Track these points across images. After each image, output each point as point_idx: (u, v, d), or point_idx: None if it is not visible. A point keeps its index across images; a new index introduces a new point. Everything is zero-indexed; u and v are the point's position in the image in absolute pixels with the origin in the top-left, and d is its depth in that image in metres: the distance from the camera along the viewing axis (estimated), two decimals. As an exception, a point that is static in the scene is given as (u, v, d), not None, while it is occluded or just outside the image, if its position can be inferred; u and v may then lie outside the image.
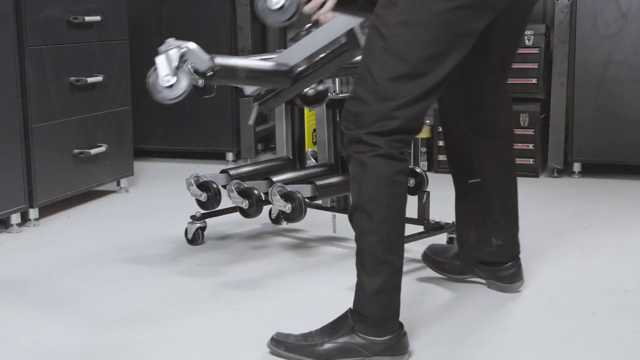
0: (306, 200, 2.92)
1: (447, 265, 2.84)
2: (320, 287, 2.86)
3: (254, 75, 2.74)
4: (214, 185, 3.16)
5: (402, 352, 2.25)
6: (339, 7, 2.44)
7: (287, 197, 2.90)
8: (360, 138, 2.19)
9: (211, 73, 2.55)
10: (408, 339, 2.28)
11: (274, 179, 3.10)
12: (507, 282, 2.71)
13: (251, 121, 3.02)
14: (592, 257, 3.13)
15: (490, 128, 2.62)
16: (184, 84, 2.49)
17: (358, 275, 2.24)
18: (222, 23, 4.67)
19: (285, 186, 2.92)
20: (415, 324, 2.47)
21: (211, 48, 4.57)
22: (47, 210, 3.64)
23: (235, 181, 3.06)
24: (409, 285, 2.87)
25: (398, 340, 2.24)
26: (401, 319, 2.28)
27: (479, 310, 2.62)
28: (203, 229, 3.27)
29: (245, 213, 3.04)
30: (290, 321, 2.58)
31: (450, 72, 2.20)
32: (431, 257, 2.88)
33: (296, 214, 2.90)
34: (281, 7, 2.47)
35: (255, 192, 3.01)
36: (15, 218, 3.48)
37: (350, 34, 2.62)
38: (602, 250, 3.21)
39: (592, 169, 4.40)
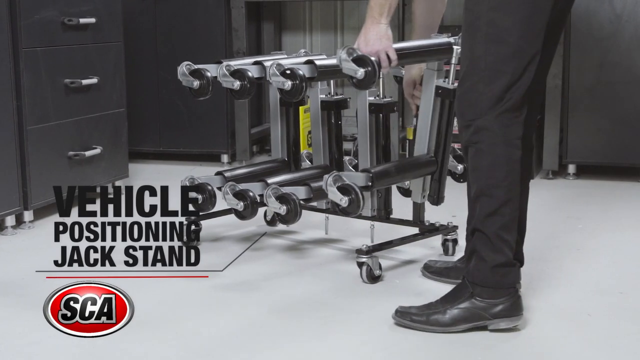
0: (301, 202, 2.92)
1: (448, 270, 2.88)
2: (315, 288, 2.86)
3: (405, 171, 3.00)
4: (209, 187, 3.16)
5: (518, 313, 2.47)
6: (401, 60, 2.78)
7: (282, 199, 2.90)
8: (479, 126, 2.42)
9: (370, 183, 2.82)
10: (522, 301, 2.49)
11: (269, 181, 3.10)
12: None
13: None
14: (587, 258, 3.13)
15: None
16: (359, 203, 2.78)
17: (480, 251, 2.45)
18: (217, 25, 4.66)
19: (280, 188, 2.93)
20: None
21: (207, 50, 4.61)
22: (41, 213, 3.64)
23: (230, 183, 3.05)
24: (402, 286, 2.87)
25: (514, 301, 2.46)
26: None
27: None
28: (198, 230, 3.27)
29: (240, 215, 3.04)
30: (286, 322, 2.59)
31: (540, 45, 2.40)
32: (431, 267, 2.93)
33: (291, 216, 2.90)
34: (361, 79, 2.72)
35: (250, 194, 3.01)
36: (10, 220, 3.47)
37: (438, 89, 2.96)
38: (597, 251, 3.21)
39: (586, 171, 4.40)
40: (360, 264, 2.88)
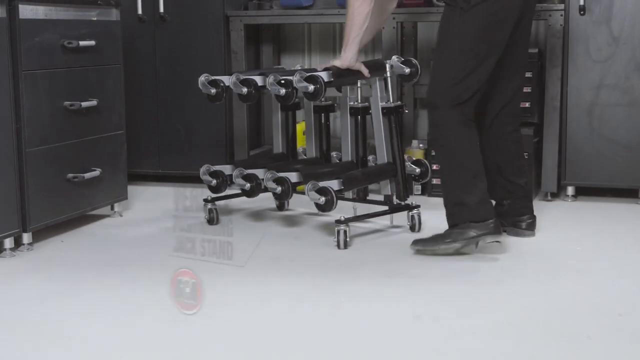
0: (294, 184, 3.59)
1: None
2: (314, 287, 2.87)
3: (371, 176, 3.74)
4: (223, 173, 3.82)
5: (499, 232, 3.30)
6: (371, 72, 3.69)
7: (277, 181, 3.56)
8: (439, 113, 3.32)
9: (342, 187, 3.51)
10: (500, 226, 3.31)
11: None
12: (522, 229, 3.61)
13: None
14: (585, 280, 3.13)
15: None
16: (333, 201, 3.49)
17: (452, 195, 3.32)
18: (216, 47, 4.68)
19: (276, 172, 3.58)
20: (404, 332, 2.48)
21: (206, 72, 4.62)
22: (40, 235, 3.64)
23: (239, 168, 3.74)
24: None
25: (495, 225, 3.27)
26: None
27: (474, 334, 2.62)
28: (216, 210, 3.90)
29: (247, 193, 3.71)
30: (286, 324, 2.59)
31: (491, 54, 3.32)
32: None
33: (284, 195, 3.59)
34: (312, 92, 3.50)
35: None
36: (9, 242, 3.47)
37: (383, 109, 3.73)
38: (595, 273, 3.21)
39: (585, 192, 4.41)
40: (337, 232, 3.48)
